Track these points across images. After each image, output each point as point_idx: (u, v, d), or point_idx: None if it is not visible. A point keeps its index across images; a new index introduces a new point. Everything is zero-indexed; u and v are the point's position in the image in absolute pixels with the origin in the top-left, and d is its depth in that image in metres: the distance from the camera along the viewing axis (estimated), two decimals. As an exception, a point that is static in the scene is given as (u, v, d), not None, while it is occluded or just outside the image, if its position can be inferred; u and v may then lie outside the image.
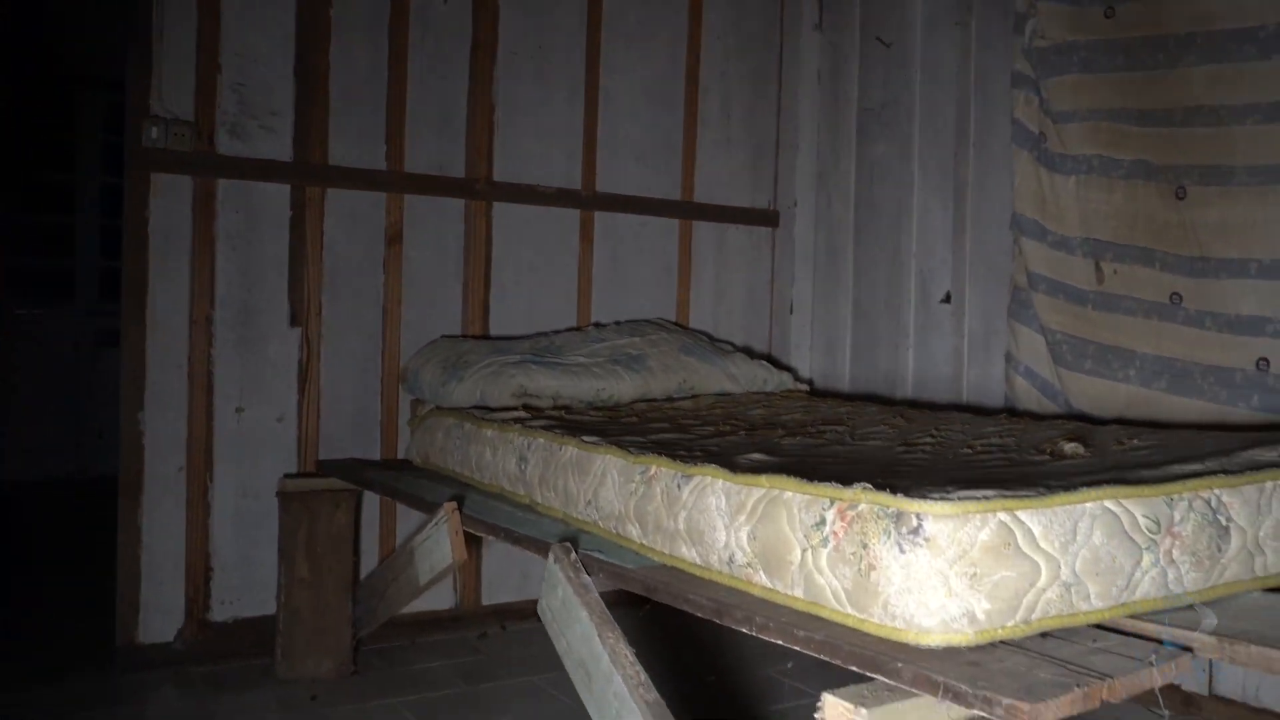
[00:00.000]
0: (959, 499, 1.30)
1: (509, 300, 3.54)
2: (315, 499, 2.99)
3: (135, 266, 2.99)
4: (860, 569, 1.34)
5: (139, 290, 2.99)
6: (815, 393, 3.67)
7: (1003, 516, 1.30)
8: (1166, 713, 2.68)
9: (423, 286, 3.40)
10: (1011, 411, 2.96)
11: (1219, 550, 1.47)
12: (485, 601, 3.47)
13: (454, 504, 2.31)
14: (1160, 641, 1.36)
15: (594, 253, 3.69)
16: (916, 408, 3.07)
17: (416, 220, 3.38)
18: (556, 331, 3.49)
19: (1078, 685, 1.17)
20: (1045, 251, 2.94)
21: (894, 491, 1.34)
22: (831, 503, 1.42)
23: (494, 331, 3.50)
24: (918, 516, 1.29)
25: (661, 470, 1.81)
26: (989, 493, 1.33)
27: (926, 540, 1.28)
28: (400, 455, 3.31)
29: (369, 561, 3.22)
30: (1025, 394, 3.02)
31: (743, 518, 1.57)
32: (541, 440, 2.28)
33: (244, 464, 3.13)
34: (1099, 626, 1.40)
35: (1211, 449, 1.78)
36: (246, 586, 3.13)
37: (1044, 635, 1.35)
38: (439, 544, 2.34)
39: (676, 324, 3.77)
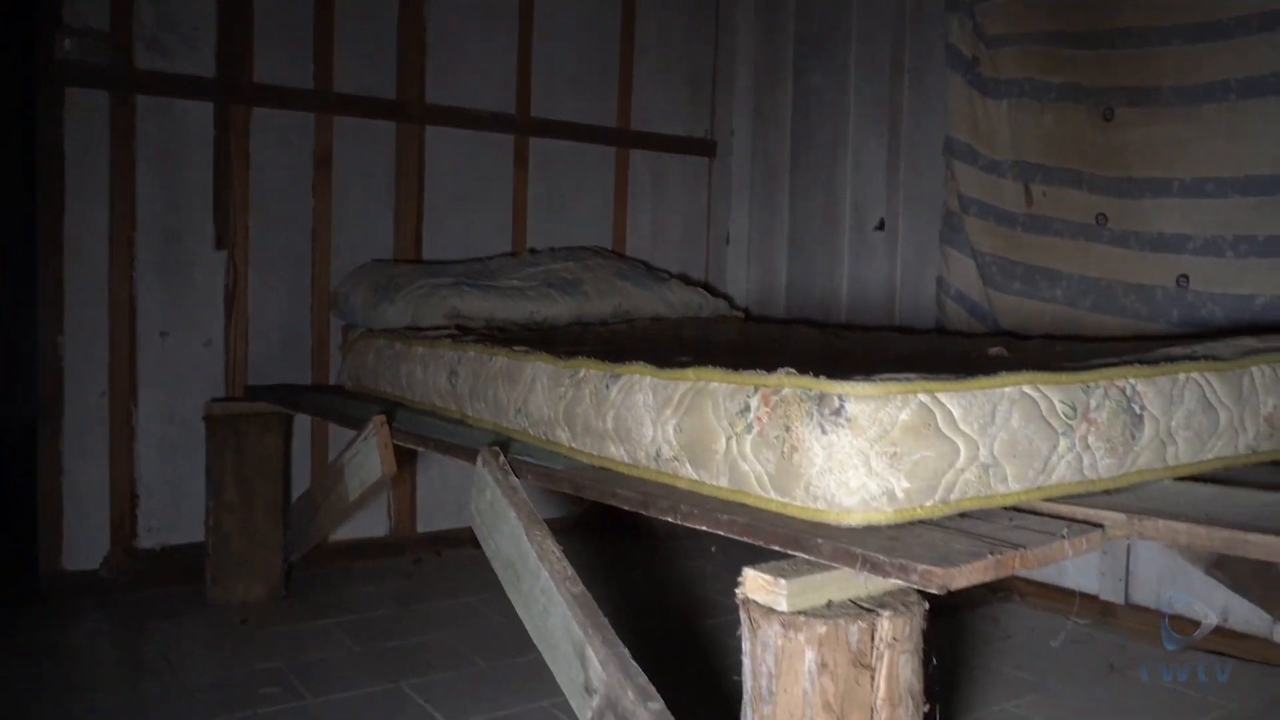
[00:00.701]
0: (881, 380, 1.31)
1: (443, 227, 3.49)
2: (243, 423, 2.94)
3: (50, 187, 2.89)
4: (783, 452, 1.35)
5: (54, 212, 2.89)
6: (751, 318, 3.69)
7: (923, 398, 1.32)
8: (1072, 621, 2.77)
9: (353, 211, 3.33)
10: (941, 331, 3.00)
11: (1132, 438, 1.51)
12: (420, 529, 3.46)
13: (383, 416, 2.28)
14: (1075, 521, 1.39)
15: (529, 180, 3.65)
16: (850, 329, 3.10)
17: (347, 143, 3.31)
18: (491, 257, 3.45)
19: (991, 553, 1.19)
20: (977, 175, 2.97)
21: (817, 375, 1.35)
22: (756, 389, 1.42)
23: (427, 258, 3.45)
24: (840, 398, 1.30)
25: (590, 372, 1.80)
26: (910, 375, 1.34)
27: (848, 421, 1.29)
28: (332, 381, 3.27)
29: (301, 488, 3.19)
30: (955, 317, 3.06)
31: (669, 411, 1.56)
32: (472, 353, 2.26)
33: (170, 390, 3.07)
34: (1016, 509, 1.42)
35: (1128, 350, 1.81)
36: (175, 514, 3.08)
37: (962, 515, 1.37)
38: (368, 458, 2.31)
39: (613, 252, 3.75)
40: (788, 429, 1.35)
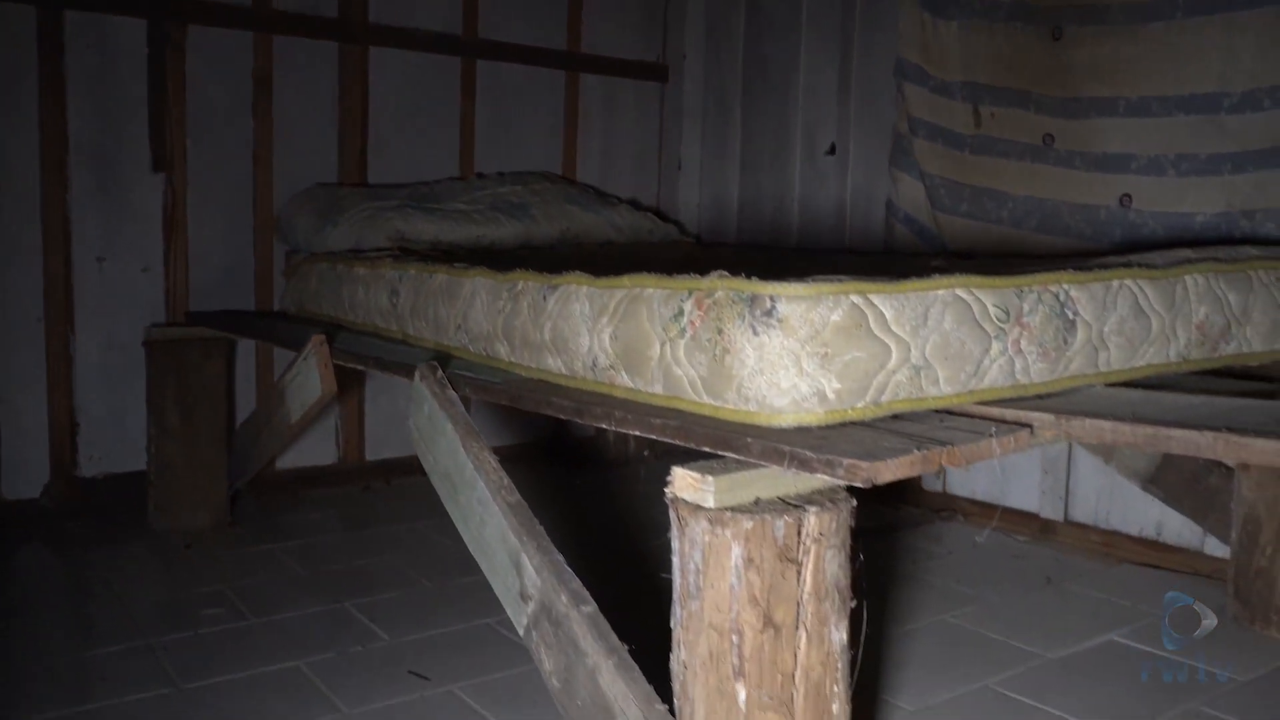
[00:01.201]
0: (812, 281, 1.30)
1: (388, 151, 3.42)
2: (184, 348, 2.89)
3: (-25, 105, 2.79)
4: (715, 354, 1.34)
5: (-20, 132, 2.80)
6: (702, 244, 3.67)
7: (855, 299, 1.31)
8: (989, 530, 2.82)
9: (296, 133, 3.25)
10: (890, 253, 3.00)
11: (1065, 343, 1.51)
12: (370, 457, 3.43)
13: (322, 336, 2.25)
14: (1004, 422, 1.40)
15: (477, 103, 3.57)
16: (799, 252, 3.09)
17: (287, 63, 3.22)
18: (437, 181, 3.39)
19: (918, 449, 1.19)
20: (927, 97, 2.95)
21: (749, 277, 1.34)
22: (689, 294, 1.41)
23: (372, 182, 3.39)
24: (771, 299, 1.29)
25: (529, 285, 1.78)
26: (843, 276, 1.33)
27: (779, 321, 1.28)
28: (276, 308, 3.22)
29: (246, 416, 3.15)
30: (904, 240, 3.06)
31: (605, 319, 1.55)
32: (413, 271, 2.23)
33: (108, 316, 3.00)
34: (947, 411, 1.43)
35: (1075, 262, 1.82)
36: (117, 442, 3.03)
37: (894, 417, 1.37)
38: (308, 378, 2.28)
39: (563, 178, 3.70)
40: (720, 331, 1.34)
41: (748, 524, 1.18)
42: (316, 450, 3.34)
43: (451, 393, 1.80)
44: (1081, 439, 1.37)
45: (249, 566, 2.56)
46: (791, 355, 1.28)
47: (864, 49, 3.29)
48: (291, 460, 3.28)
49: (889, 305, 1.34)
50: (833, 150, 3.38)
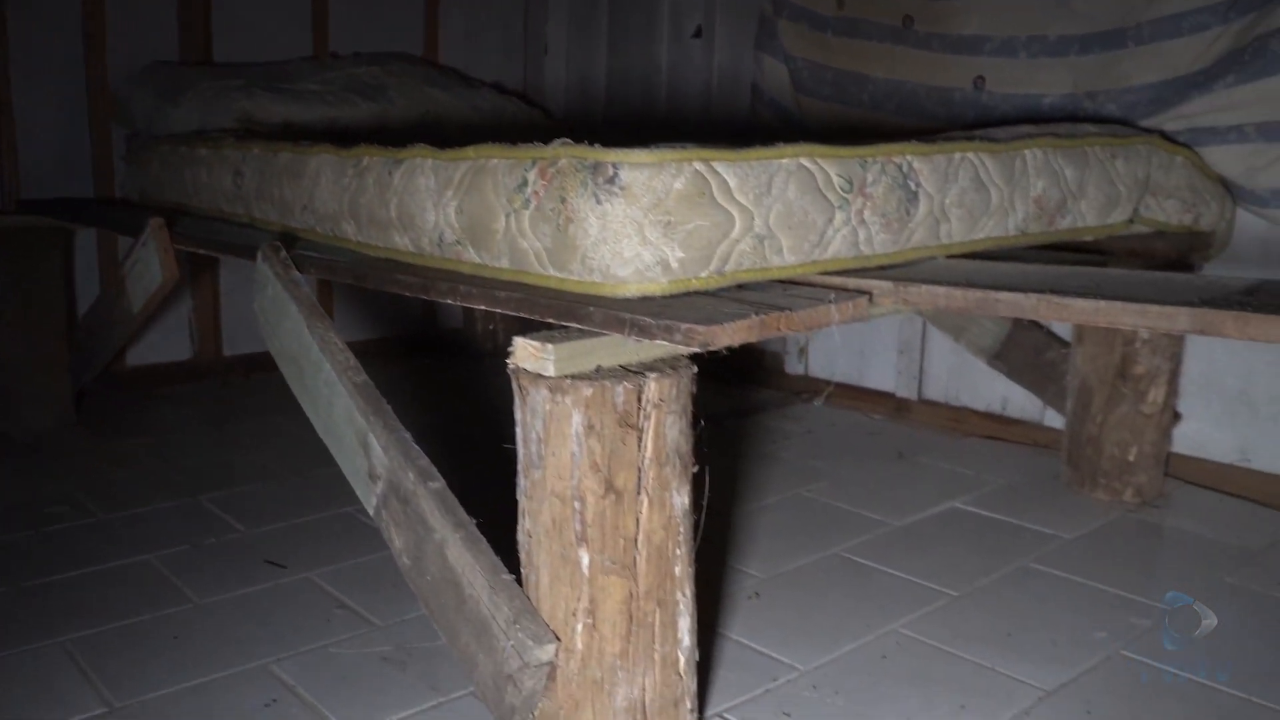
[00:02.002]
0: (655, 149, 1.28)
1: (235, 26, 3.22)
2: (18, 239, 2.71)
3: None
4: (559, 225, 1.32)
5: None
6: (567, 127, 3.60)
7: (698, 166, 1.30)
8: (820, 403, 2.91)
9: (131, 7, 3.03)
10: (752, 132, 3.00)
11: (907, 214, 1.54)
12: (227, 352, 3.32)
13: (160, 220, 2.14)
14: (846, 290, 1.42)
15: (331, -21, 3.39)
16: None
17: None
18: (289, 61, 3.23)
19: (756, 314, 1.20)
20: (791, -24, 2.92)
21: (592, 144, 1.31)
22: (534, 163, 1.37)
23: (218, 60, 3.20)
24: (614, 166, 1.27)
25: (373, 160, 1.72)
26: (686, 144, 1.31)
27: (622, 189, 1.26)
28: (118, 195, 3.04)
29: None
30: (768, 124, 3.05)
31: (450, 193, 1.51)
32: (257, 150, 2.12)
33: (-70, 205, 2.80)
34: (792, 281, 1.44)
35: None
36: (-53, 339, 2.85)
37: (739, 287, 1.38)
38: (148, 265, 2.17)
39: (425, 60, 3.56)
40: (563, 200, 1.31)
41: (587, 391, 1.18)
42: (170, 346, 3.21)
43: (296, 273, 1.74)
44: (918, 305, 1.40)
45: (99, 465, 2.46)
46: (635, 224, 1.27)
47: (731, -72, 3.22)
48: (143, 357, 3.15)
49: (732, 173, 1.33)
50: (699, 33, 3.33)
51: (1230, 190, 2.16)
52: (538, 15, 3.84)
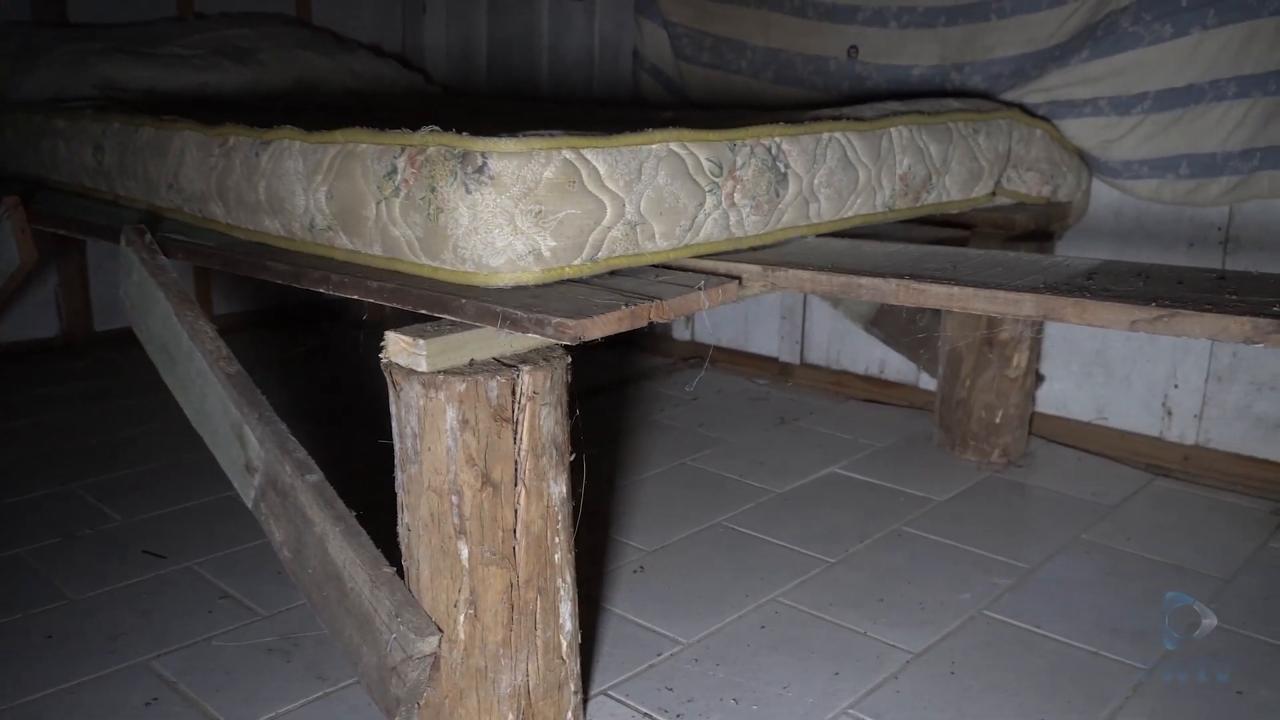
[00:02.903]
0: (524, 137, 1.28)
1: (91, -15, 3.07)
2: None
3: None
4: (429, 214, 1.31)
5: None
6: (450, 93, 3.54)
7: (568, 154, 1.30)
8: (704, 370, 2.98)
9: (-26, -36, 2.86)
10: (637, 103, 3.00)
11: (777, 195, 1.57)
12: (99, 327, 3.20)
13: (15, 199, 2.04)
14: (717, 275, 1.45)
15: (195, -66, 3.25)
16: (544, 103, 3.04)
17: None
18: (152, 21, 3.09)
19: (626, 304, 1.22)
20: (670, -58, 2.91)
21: (460, 132, 1.30)
22: (402, 150, 1.35)
23: (73, 20, 3.04)
24: (483, 155, 1.26)
25: (240, 140, 1.67)
26: (555, 131, 1.32)
27: (492, 179, 1.26)
28: (-30, 166, 2.89)
29: (-55, 287, 2.85)
30: (650, 90, 3.05)
31: (320, 178, 1.48)
32: (117, 125, 2.04)
33: None
34: (665, 266, 1.47)
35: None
36: None
37: (612, 274, 1.39)
38: (5, 245, 2.08)
39: (298, 20, 3.45)
40: (433, 190, 1.31)
41: (461, 386, 1.18)
42: (37, 322, 3.09)
43: (162, 258, 1.69)
44: (786, 288, 1.44)
45: (-42, 452, 2.36)
46: (505, 213, 1.27)
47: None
48: (7, 334, 3.02)
49: (602, 161, 1.34)
50: (580, -4, 3.30)
51: (1086, 161, 2.26)
52: (416, -26, 3.75)
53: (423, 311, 1.30)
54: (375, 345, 1.28)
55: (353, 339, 3.32)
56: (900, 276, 1.32)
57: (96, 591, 1.74)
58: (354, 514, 1.32)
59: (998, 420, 2.29)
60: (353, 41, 3.44)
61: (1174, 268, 1.35)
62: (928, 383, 2.64)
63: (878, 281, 1.32)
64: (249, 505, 1.46)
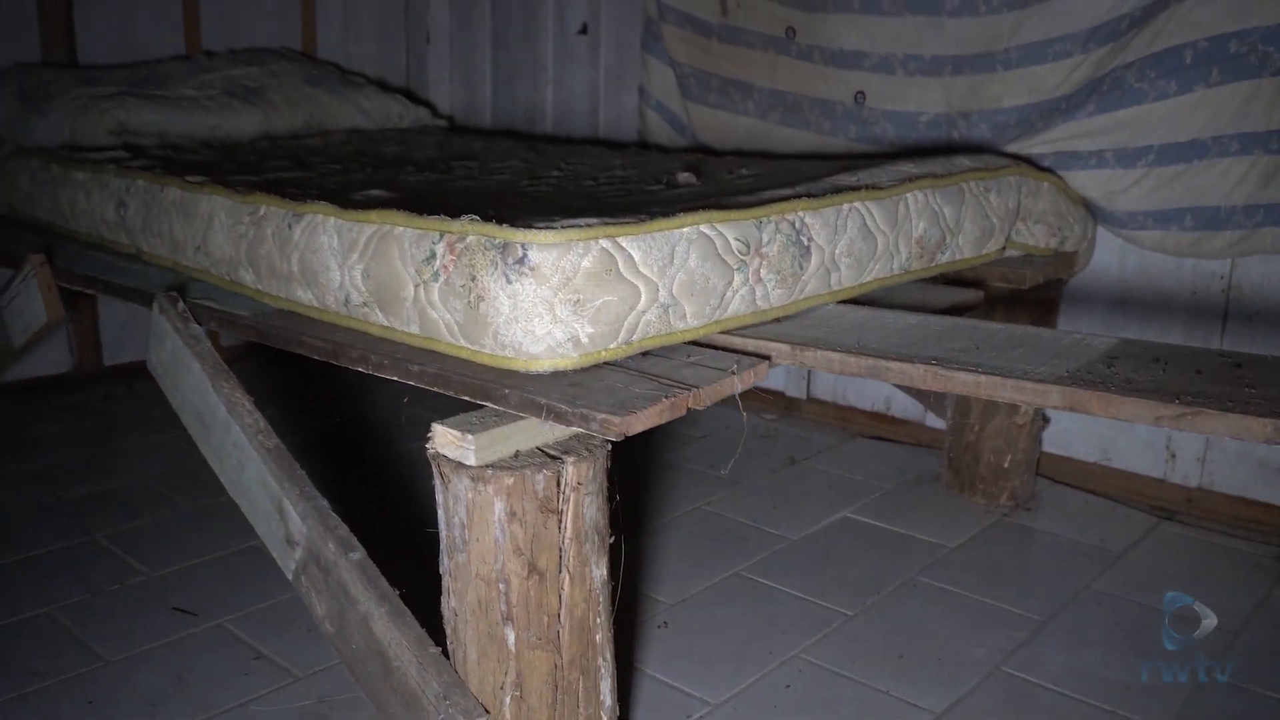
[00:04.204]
0: (562, 227, 1.31)
1: (98, 21, 3.08)
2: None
3: None
4: (470, 301, 1.34)
5: None
6: (455, 129, 3.57)
7: (604, 243, 1.34)
8: (744, 415, 3.02)
9: (-15, 3, 2.88)
10: (643, 145, 3.04)
11: (800, 269, 1.61)
12: (108, 361, 3.22)
13: (42, 256, 2.07)
14: (745, 354, 1.49)
15: (200, -31, 3.27)
16: (554, 142, 3.08)
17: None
18: (161, 61, 3.11)
19: (666, 396, 1.26)
20: (675, -19, 2.94)
21: (500, 222, 1.34)
22: (440, 236, 1.39)
23: (83, 60, 3.06)
24: (523, 246, 1.30)
25: (271, 210, 1.70)
26: (591, 220, 1.35)
27: (532, 269, 1.29)
28: (-19, 205, 2.90)
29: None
30: (657, 128, 3.09)
31: (355, 256, 1.51)
32: (141, 182, 2.06)
33: None
34: (694, 343, 1.51)
35: (806, 175, 1.92)
36: None
37: (644, 354, 1.43)
38: (30, 302, 2.10)
39: (303, 54, 3.47)
40: (474, 278, 1.34)
41: (509, 480, 1.22)
42: (48, 359, 3.11)
43: (195, 327, 1.72)
44: (815, 368, 1.48)
45: (-24, 499, 2.39)
46: (545, 303, 1.30)
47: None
48: (18, 372, 3.04)
49: (637, 247, 1.37)
50: (584, 30, 3.34)
51: (1092, 211, 2.31)
52: (419, 4, 3.77)
53: (465, 398, 1.34)
54: (411, 413, 1.32)
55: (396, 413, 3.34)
56: (927, 361, 1.36)
57: (130, 653, 1.77)
58: (398, 592, 1.35)
59: (1006, 464, 2.34)
60: (358, 76, 3.46)
61: (1190, 351, 1.40)
62: (934, 420, 2.69)
63: (906, 367, 1.36)
64: (289, 577, 1.49)
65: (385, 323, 1.51)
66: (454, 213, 1.41)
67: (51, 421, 2.90)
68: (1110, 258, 2.38)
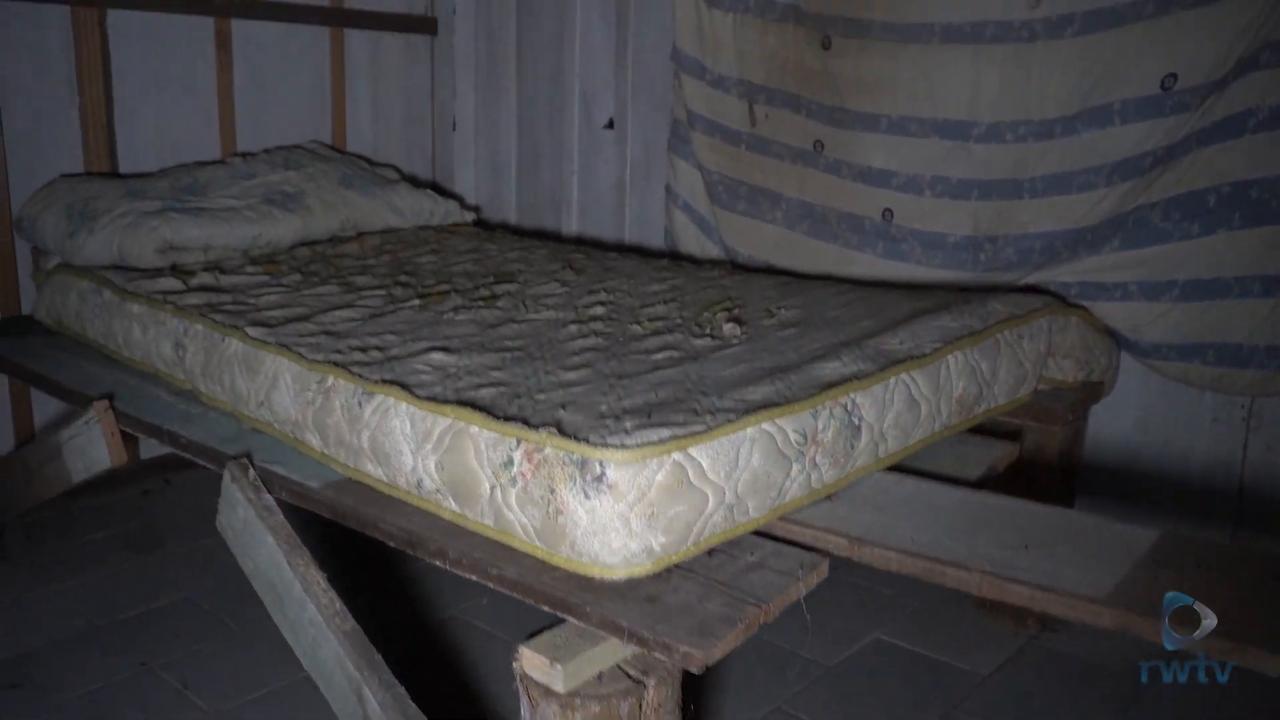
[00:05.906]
0: (638, 445, 1.39)
1: (137, 126, 3.15)
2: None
3: None
4: (549, 512, 1.41)
5: None
6: (483, 224, 3.64)
7: (677, 456, 1.41)
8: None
9: (25, 112, 2.94)
10: (674, 256, 3.11)
11: (851, 448, 1.69)
12: (144, 454, 3.28)
13: (105, 402, 2.13)
14: (803, 546, 1.56)
15: (234, 67, 3.33)
16: (583, 247, 3.15)
17: (7, 32, 2.88)
18: (200, 164, 3.17)
19: (740, 619, 1.33)
20: (704, 90, 3.01)
21: (578, 439, 1.41)
22: (519, 443, 1.46)
23: (123, 163, 3.13)
24: (601, 464, 1.37)
25: (340, 383, 1.76)
26: (664, 434, 1.42)
27: (610, 487, 1.37)
28: (25, 311, 2.97)
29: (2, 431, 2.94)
30: (683, 227, 3.16)
31: (429, 446, 1.58)
32: (200, 327, 2.13)
33: None
34: (754, 532, 1.58)
35: (844, 321, 2.00)
36: None
37: (710, 553, 1.51)
38: (92, 444, 2.17)
39: (333, 148, 3.54)
40: (552, 490, 1.41)
41: (595, 708, 1.29)
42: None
43: (268, 498, 1.79)
44: (872, 564, 1.55)
45: (31, 620, 2.43)
46: (621, 518, 1.38)
47: (639, 19, 3.27)
48: (58, 469, 3.09)
49: (706, 455, 1.45)
50: (611, 124, 3.41)
51: (1117, 340, 2.39)
52: (444, 90, 3.84)
53: (545, 608, 1.41)
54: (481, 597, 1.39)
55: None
56: (982, 570, 1.43)
57: (203, 804, 1.83)
58: (478, 789, 1.42)
59: (1034, 585, 2.42)
60: (388, 169, 3.52)
61: (1232, 551, 1.47)
62: (959, 525, 2.76)
63: (963, 574, 1.44)
64: (368, 755, 1.56)
65: (458, 510, 1.58)
66: (525, 417, 1.49)
67: (95, 525, 2.96)
68: (1133, 380, 2.46)
